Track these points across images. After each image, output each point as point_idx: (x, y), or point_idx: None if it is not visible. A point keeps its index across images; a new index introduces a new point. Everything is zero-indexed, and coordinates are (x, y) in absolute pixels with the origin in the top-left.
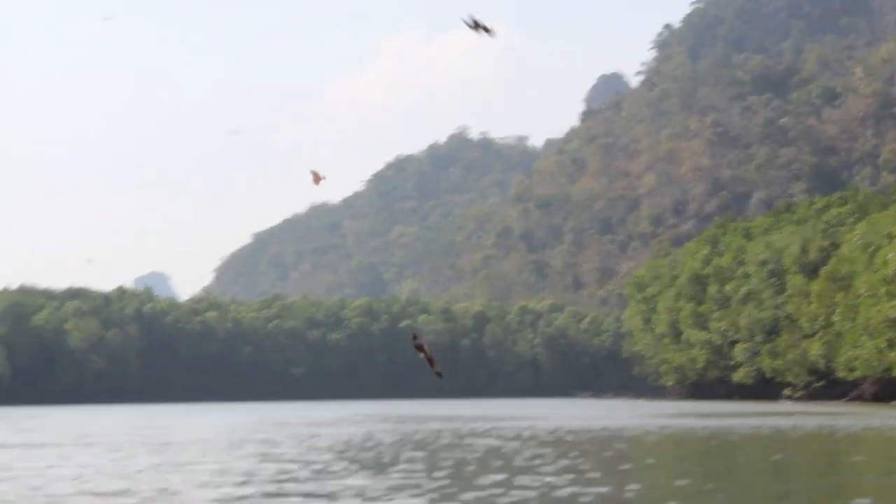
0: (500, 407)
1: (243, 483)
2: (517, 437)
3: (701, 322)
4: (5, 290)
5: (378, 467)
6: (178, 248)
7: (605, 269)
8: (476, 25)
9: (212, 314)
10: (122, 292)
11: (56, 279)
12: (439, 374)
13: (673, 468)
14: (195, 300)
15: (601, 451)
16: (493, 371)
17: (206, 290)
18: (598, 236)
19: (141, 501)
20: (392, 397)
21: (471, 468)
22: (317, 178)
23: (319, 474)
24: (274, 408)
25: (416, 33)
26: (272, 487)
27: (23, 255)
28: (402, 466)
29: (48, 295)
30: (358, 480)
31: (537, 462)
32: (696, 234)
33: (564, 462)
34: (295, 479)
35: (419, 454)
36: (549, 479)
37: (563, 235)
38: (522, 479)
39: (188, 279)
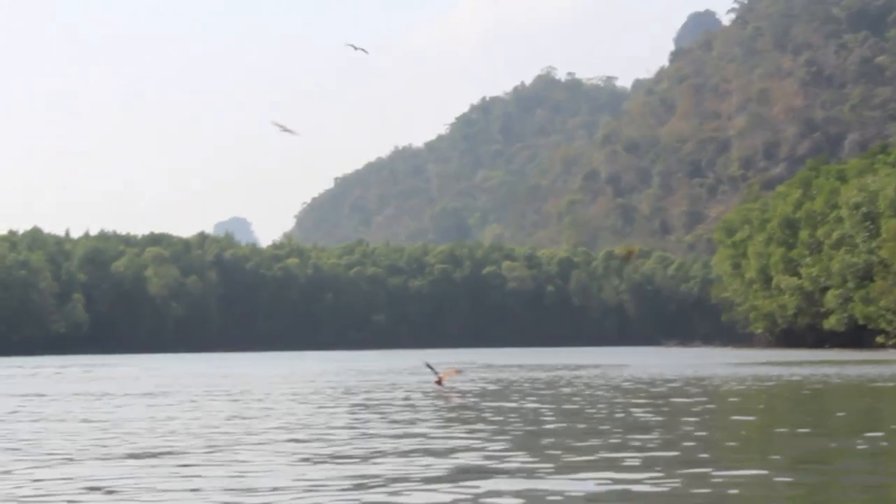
0: (584, 355)
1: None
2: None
3: (792, 268)
4: (85, 236)
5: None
6: (259, 194)
7: (693, 213)
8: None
9: (293, 260)
10: (202, 238)
11: (136, 225)
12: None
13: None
14: (276, 246)
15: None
16: (579, 319)
17: (287, 235)
18: (686, 180)
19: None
20: (474, 346)
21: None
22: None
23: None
24: (358, 357)
25: None
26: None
27: (103, 200)
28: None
29: (128, 241)
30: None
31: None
32: (787, 177)
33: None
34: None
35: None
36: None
37: (651, 179)
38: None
39: (270, 225)
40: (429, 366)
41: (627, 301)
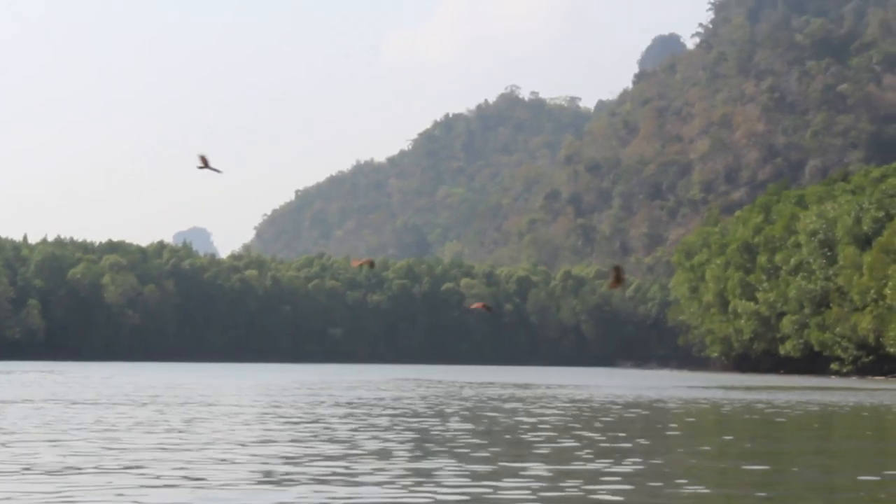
0: (537, 375)
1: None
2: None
3: (749, 292)
4: (42, 242)
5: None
6: (220, 205)
7: (653, 235)
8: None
9: (251, 272)
10: (160, 247)
11: (94, 232)
12: (489, 309)
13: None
14: (235, 257)
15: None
16: (536, 338)
17: (247, 247)
18: (647, 202)
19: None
20: (431, 362)
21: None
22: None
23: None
24: (310, 369)
25: None
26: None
27: (61, 207)
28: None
29: (85, 248)
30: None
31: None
32: (748, 201)
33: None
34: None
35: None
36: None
37: (612, 200)
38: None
39: (230, 236)
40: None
41: (585, 321)
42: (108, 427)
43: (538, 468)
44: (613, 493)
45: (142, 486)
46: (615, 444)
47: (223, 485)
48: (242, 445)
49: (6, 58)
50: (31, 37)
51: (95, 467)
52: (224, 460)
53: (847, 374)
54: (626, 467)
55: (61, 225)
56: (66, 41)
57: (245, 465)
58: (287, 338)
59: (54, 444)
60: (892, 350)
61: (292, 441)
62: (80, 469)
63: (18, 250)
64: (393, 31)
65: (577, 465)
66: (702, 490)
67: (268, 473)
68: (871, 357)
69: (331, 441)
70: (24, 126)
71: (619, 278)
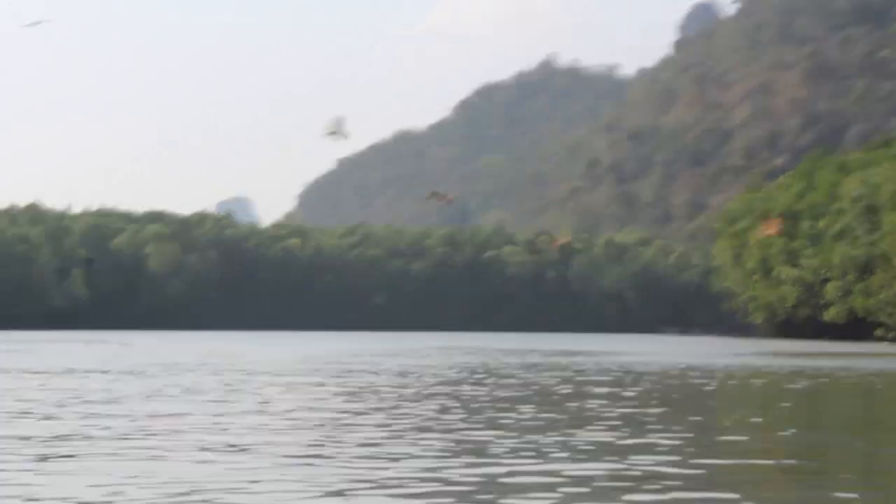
0: (582, 342)
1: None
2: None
3: (792, 259)
4: (85, 212)
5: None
6: (262, 174)
7: (695, 202)
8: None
9: (293, 241)
10: (202, 216)
11: (137, 202)
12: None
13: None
14: (277, 226)
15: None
16: (578, 305)
17: (289, 216)
18: (688, 169)
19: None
20: (473, 329)
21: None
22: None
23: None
24: (360, 338)
25: None
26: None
27: (104, 177)
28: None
29: (128, 218)
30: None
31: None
32: (790, 168)
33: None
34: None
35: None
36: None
37: (653, 167)
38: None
39: (272, 205)
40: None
41: (627, 289)
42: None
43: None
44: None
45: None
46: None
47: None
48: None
49: (57, 34)
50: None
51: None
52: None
53: (892, 340)
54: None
55: (104, 195)
56: (92, 18)
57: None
58: (329, 306)
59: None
60: None
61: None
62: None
63: (61, 220)
64: (432, 6)
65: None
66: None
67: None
68: None
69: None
70: (69, 98)
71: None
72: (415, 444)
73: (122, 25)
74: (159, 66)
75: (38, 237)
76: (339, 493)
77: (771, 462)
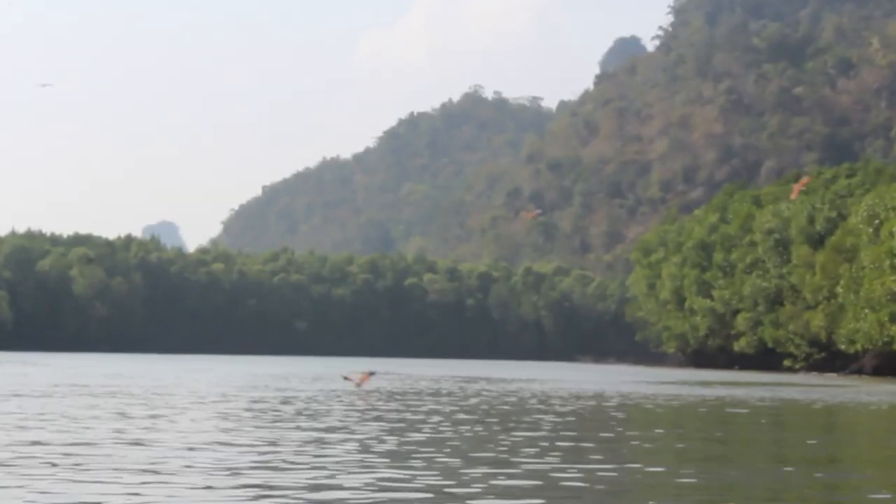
0: (495, 368)
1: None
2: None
3: (705, 290)
4: (11, 234)
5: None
6: (188, 199)
7: (612, 233)
8: None
9: (217, 265)
10: (128, 240)
11: (63, 225)
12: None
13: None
14: (202, 251)
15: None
16: (497, 333)
17: (214, 241)
18: (607, 200)
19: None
20: (394, 355)
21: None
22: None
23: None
24: (275, 361)
25: None
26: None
27: (29, 199)
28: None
29: (54, 240)
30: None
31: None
32: (705, 200)
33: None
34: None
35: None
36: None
37: (573, 198)
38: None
39: (198, 230)
40: (345, 377)
41: (545, 317)
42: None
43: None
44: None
45: None
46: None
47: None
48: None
49: None
50: (18, 31)
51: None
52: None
53: (799, 371)
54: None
55: (30, 217)
56: (51, 40)
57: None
58: (253, 330)
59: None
60: (843, 347)
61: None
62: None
63: None
64: (365, 31)
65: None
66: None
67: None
68: (822, 354)
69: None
70: None
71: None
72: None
73: (49, 47)
74: (88, 90)
75: None
76: None
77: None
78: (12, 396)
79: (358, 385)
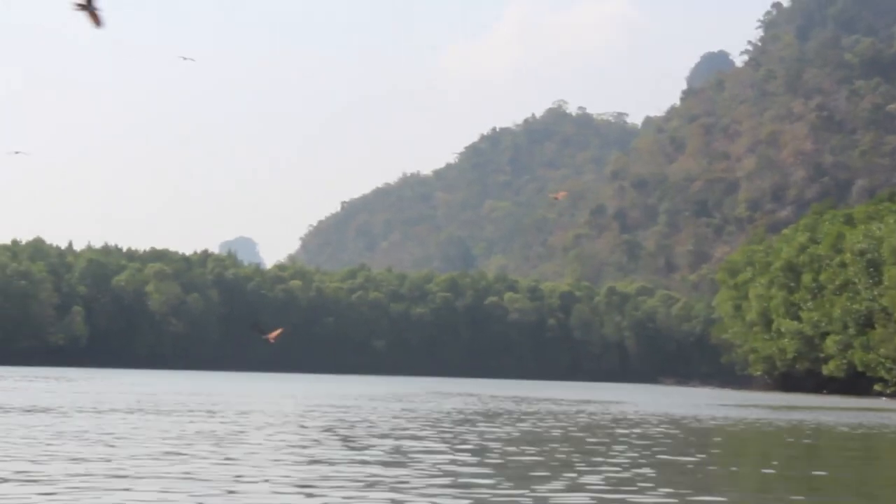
0: (578, 390)
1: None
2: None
3: (793, 312)
4: (87, 249)
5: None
6: (266, 215)
7: (698, 252)
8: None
9: (295, 282)
10: (204, 256)
11: (140, 240)
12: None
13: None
14: (279, 267)
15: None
16: (579, 353)
17: (292, 258)
18: (693, 219)
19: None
20: (474, 375)
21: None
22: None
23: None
24: (356, 381)
25: (539, 4)
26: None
27: (106, 215)
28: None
29: (130, 255)
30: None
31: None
32: (794, 220)
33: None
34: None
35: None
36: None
37: (658, 216)
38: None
39: (275, 246)
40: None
41: (629, 338)
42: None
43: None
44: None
45: None
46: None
47: None
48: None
49: (62, 65)
50: (79, 43)
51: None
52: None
53: (891, 396)
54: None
55: (106, 233)
56: (116, 49)
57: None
58: (330, 349)
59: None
60: None
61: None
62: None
63: (63, 257)
64: (449, 43)
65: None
66: None
67: None
68: None
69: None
70: (71, 133)
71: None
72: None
73: (127, 66)
74: (165, 106)
75: (39, 273)
76: None
77: None
78: (100, 413)
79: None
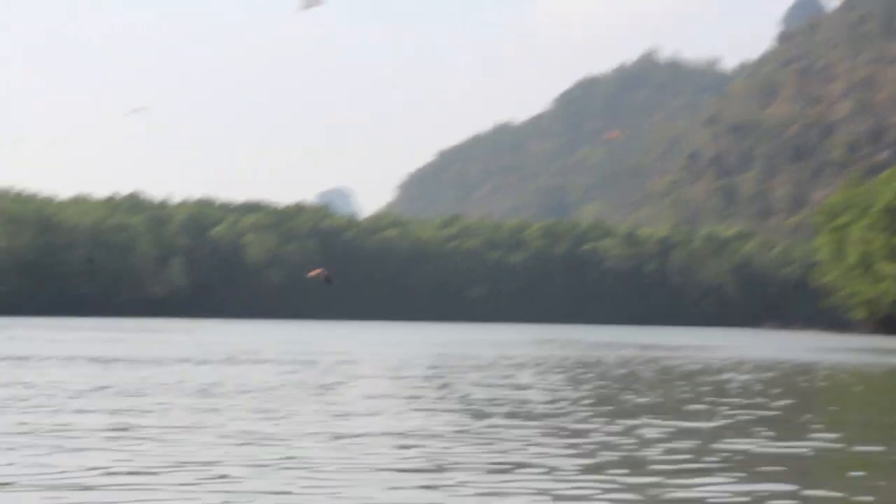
0: (679, 336)
1: None
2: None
3: (893, 254)
4: (185, 202)
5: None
6: (362, 165)
7: (796, 196)
8: None
9: (391, 232)
10: (300, 207)
11: (236, 192)
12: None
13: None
14: (375, 217)
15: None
16: (677, 299)
17: (388, 207)
18: (789, 163)
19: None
20: (570, 321)
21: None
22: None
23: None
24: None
25: None
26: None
27: (205, 166)
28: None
29: (227, 208)
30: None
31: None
32: (892, 162)
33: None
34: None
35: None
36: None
37: (754, 161)
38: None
39: (372, 196)
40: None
41: (727, 283)
42: None
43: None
44: None
45: None
46: None
47: None
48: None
49: (167, 20)
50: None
51: None
52: None
53: None
54: None
55: (204, 185)
56: (194, 16)
57: None
58: (427, 298)
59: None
60: None
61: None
62: None
63: (161, 209)
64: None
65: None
66: None
67: None
68: None
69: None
70: (170, 89)
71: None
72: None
73: (224, 22)
74: (260, 58)
75: (138, 226)
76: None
77: None
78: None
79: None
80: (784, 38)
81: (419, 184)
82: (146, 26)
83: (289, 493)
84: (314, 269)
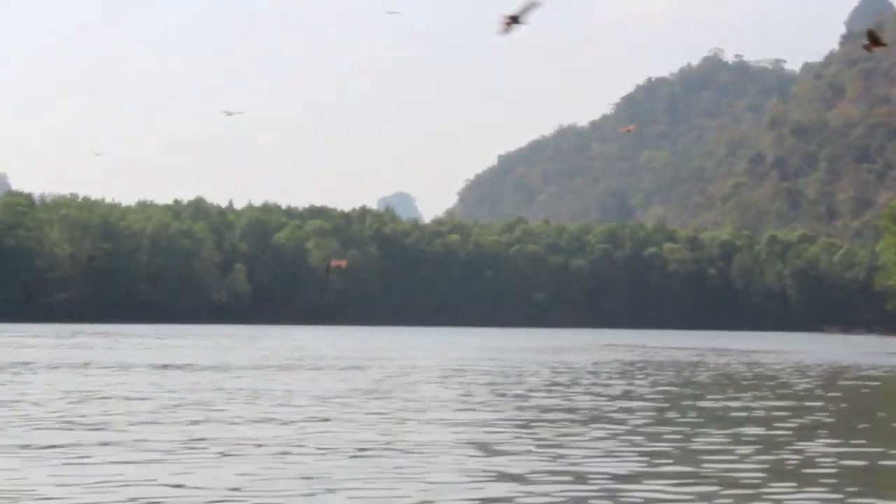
0: (745, 341)
1: None
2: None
3: None
4: (248, 207)
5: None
6: (424, 170)
7: (860, 198)
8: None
9: (453, 236)
10: (363, 212)
11: (298, 197)
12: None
13: None
14: (437, 222)
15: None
16: (740, 302)
17: (450, 212)
18: (854, 165)
19: None
20: (633, 326)
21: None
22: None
23: None
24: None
25: None
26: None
27: (267, 172)
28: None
29: (289, 213)
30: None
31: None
32: None
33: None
34: None
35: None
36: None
37: (818, 163)
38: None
39: (434, 201)
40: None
41: (791, 286)
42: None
43: None
44: None
45: None
46: None
47: None
48: None
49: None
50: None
51: None
52: None
53: None
54: None
55: (266, 191)
56: (255, 22)
57: None
58: (489, 302)
59: None
60: None
61: None
62: None
63: (224, 215)
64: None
65: None
66: None
67: None
68: None
69: None
70: (234, 96)
71: (875, 40)
72: None
73: (285, 30)
74: (322, 64)
75: (201, 232)
76: None
77: None
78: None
79: (337, 265)
80: (848, 38)
81: (481, 188)
82: (225, 36)
83: None
84: (337, 259)
